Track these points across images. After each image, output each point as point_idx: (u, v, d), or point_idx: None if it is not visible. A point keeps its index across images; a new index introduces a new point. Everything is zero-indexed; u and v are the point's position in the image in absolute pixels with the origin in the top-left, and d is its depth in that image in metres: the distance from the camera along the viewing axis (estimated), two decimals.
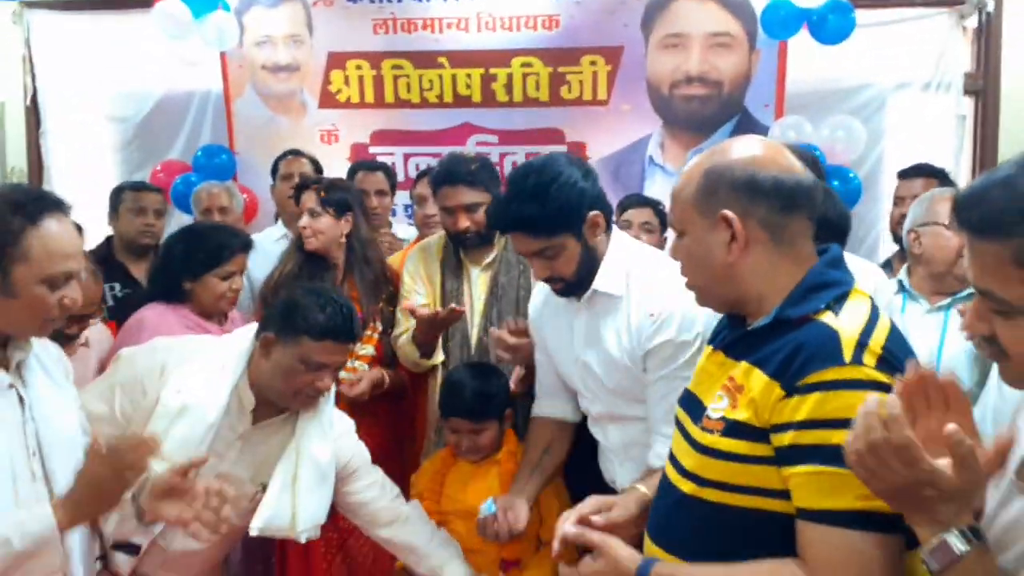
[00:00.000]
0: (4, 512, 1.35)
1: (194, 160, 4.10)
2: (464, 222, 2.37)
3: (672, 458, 1.35)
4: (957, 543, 0.95)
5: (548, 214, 1.72)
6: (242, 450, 1.83)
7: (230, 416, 1.79)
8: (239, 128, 4.16)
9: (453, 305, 2.29)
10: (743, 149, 1.26)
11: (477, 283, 2.44)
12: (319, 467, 1.84)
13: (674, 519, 1.30)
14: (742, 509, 1.19)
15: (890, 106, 3.97)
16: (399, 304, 2.54)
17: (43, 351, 1.54)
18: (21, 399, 1.43)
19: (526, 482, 1.97)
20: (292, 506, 1.79)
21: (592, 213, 1.78)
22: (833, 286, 1.23)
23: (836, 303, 1.21)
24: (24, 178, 4.43)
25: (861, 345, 1.13)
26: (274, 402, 1.83)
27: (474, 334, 2.43)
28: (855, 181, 3.70)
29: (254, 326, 1.89)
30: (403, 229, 3.60)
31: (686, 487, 1.26)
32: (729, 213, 1.23)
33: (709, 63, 3.88)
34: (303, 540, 1.82)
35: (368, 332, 2.55)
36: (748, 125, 3.86)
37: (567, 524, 1.41)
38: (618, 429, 1.87)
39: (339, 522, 2.25)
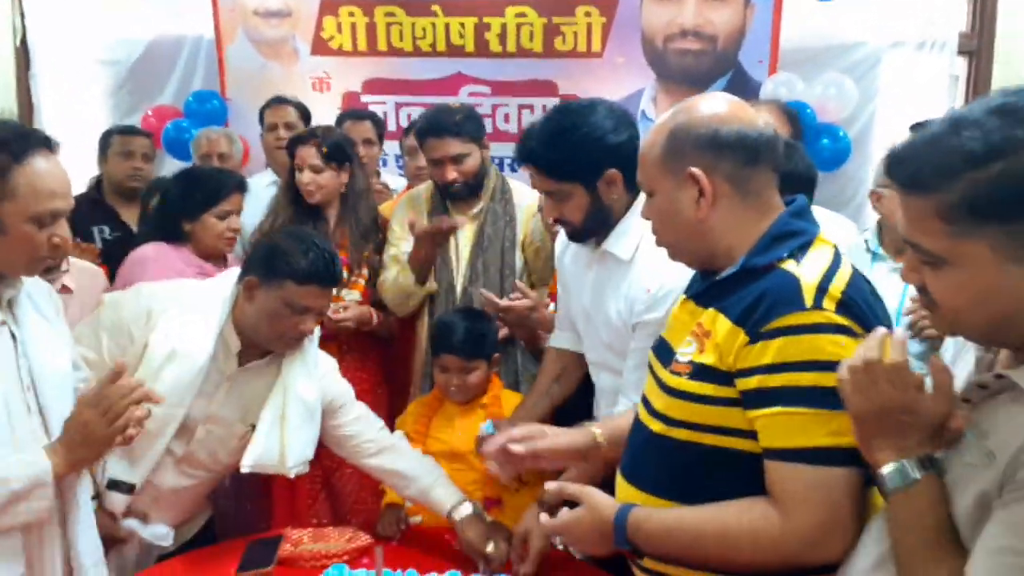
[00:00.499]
0: (2, 449, 1.37)
1: (185, 105, 4.09)
2: (451, 173, 2.39)
3: (644, 399, 1.40)
4: (913, 469, 1.00)
5: (556, 159, 1.73)
6: (230, 391, 1.88)
7: (217, 359, 1.84)
8: (231, 74, 4.12)
9: (450, 218, 2.32)
10: (705, 107, 1.30)
11: (464, 233, 2.47)
12: (306, 405, 1.89)
13: (644, 457, 1.36)
14: (708, 447, 1.24)
15: (884, 65, 3.96)
16: (385, 252, 2.57)
17: (34, 288, 1.55)
18: (13, 336, 1.45)
19: (532, 407, 2.02)
20: (281, 443, 1.84)
21: (611, 170, 1.74)
22: (797, 235, 1.27)
23: (799, 251, 1.24)
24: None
25: (821, 290, 1.17)
26: (259, 344, 1.88)
27: (459, 283, 2.47)
28: (844, 140, 3.71)
29: (236, 270, 1.93)
30: (393, 179, 3.62)
31: (655, 426, 1.31)
32: (695, 170, 1.26)
33: (704, 17, 3.86)
34: (292, 475, 1.87)
35: (355, 278, 2.59)
36: (741, 81, 3.86)
37: (550, 486, 1.42)
38: (609, 377, 1.91)
39: (323, 460, 2.32)
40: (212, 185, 2.40)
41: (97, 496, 1.74)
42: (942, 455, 1.02)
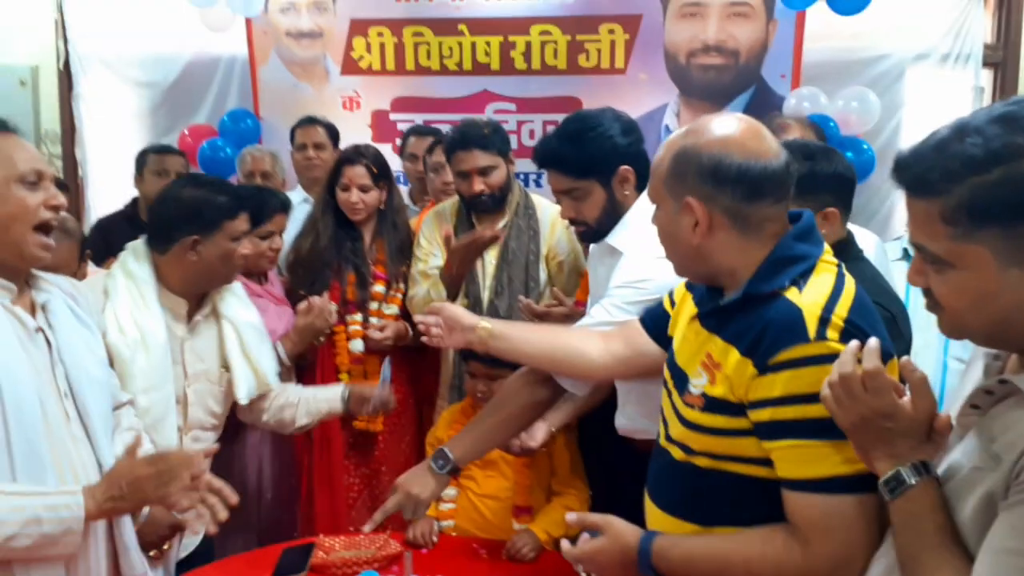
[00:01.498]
0: (35, 460, 1.37)
1: (220, 125, 4.20)
2: (478, 185, 2.45)
3: (664, 421, 1.43)
4: (908, 475, 1.04)
5: (577, 156, 1.87)
6: (192, 349, 2.01)
7: (170, 327, 1.96)
8: (264, 94, 4.24)
9: (490, 230, 2.39)
10: (716, 131, 1.27)
11: (489, 248, 2.53)
12: (255, 327, 2.12)
13: (667, 480, 1.39)
14: (729, 474, 1.27)
15: (908, 77, 3.96)
16: (413, 266, 2.63)
17: (69, 289, 1.59)
18: (48, 341, 1.46)
19: (556, 408, 2.01)
20: (254, 369, 2.07)
21: (623, 167, 1.89)
22: (799, 260, 1.26)
23: (801, 278, 1.24)
24: (57, 141, 4.57)
25: (824, 321, 1.18)
26: (201, 294, 2.03)
27: (485, 297, 2.52)
28: (868, 152, 3.72)
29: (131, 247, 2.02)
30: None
31: (676, 453, 1.35)
32: (692, 200, 1.26)
33: (727, 32, 3.89)
34: (275, 388, 2.13)
35: (393, 292, 2.66)
36: (764, 95, 3.89)
37: (571, 517, 1.44)
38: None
39: (362, 466, 2.49)
40: (255, 205, 2.40)
41: None
42: (950, 462, 1.05)
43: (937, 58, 3.93)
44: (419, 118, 4.11)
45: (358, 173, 2.62)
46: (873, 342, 1.08)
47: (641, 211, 1.90)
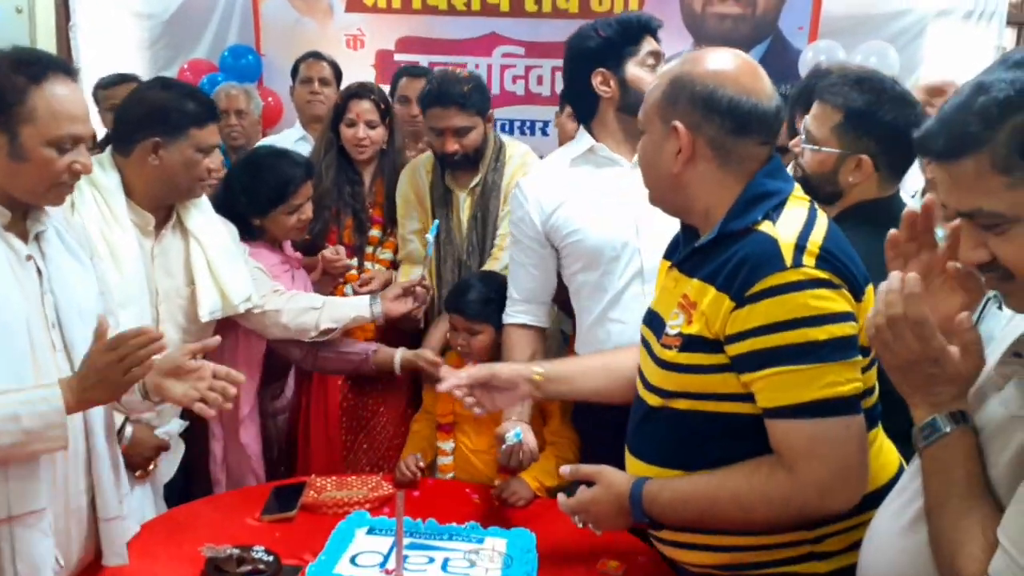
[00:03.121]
0: (19, 383, 1.36)
1: (220, 60, 4.11)
2: (452, 146, 2.34)
3: (640, 374, 1.42)
4: (943, 423, 1.01)
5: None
6: (161, 265, 1.94)
7: (139, 243, 1.89)
8: (266, 29, 4.15)
9: (423, 286, 2.26)
10: (712, 63, 1.28)
11: (463, 207, 2.45)
12: (223, 247, 2.02)
13: (646, 430, 1.38)
14: (707, 414, 1.27)
15: (929, 34, 3.87)
16: (399, 228, 2.55)
17: (64, 224, 1.56)
18: (39, 271, 1.44)
19: (522, 404, 1.89)
20: (219, 288, 1.97)
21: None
22: (771, 196, 1.27)
23: (774, 211, 1.25)
24: None
25: (799, 248, 1.19)
26: (164, 205, 1.95)
27: (462, 252, 2.45)
28: None
29: (97, 159, 1.87)
30: None
31: (653, 400, 1.34)
32: (679, 125, 1.26)
33: None
34: (243, 311, 2.02)
35: (388, 236, 2.60)
36: (780, 47, 3.79)
37: (564, 470, 1.45)
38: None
39: (359, 410, 2.43)
40: (279, 180, 2.24)
41: (120, 431, 1.76)
42: (987, 410, 1.02)
43: (960, 15, 3.83)
44: (424, 59, 4.02)
45: (365, 108, 2.55)
46: (913, 277, 1.02)
47: None
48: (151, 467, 1.81)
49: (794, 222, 1.23)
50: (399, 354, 2.23)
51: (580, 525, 1.42)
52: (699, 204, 1.31)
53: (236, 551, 1.51)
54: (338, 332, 2.19)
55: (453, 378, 1.61)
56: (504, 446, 1.79)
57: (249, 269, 2.10)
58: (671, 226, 1.89)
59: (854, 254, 1.24)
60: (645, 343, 1.43)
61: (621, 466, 1.43)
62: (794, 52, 3.73)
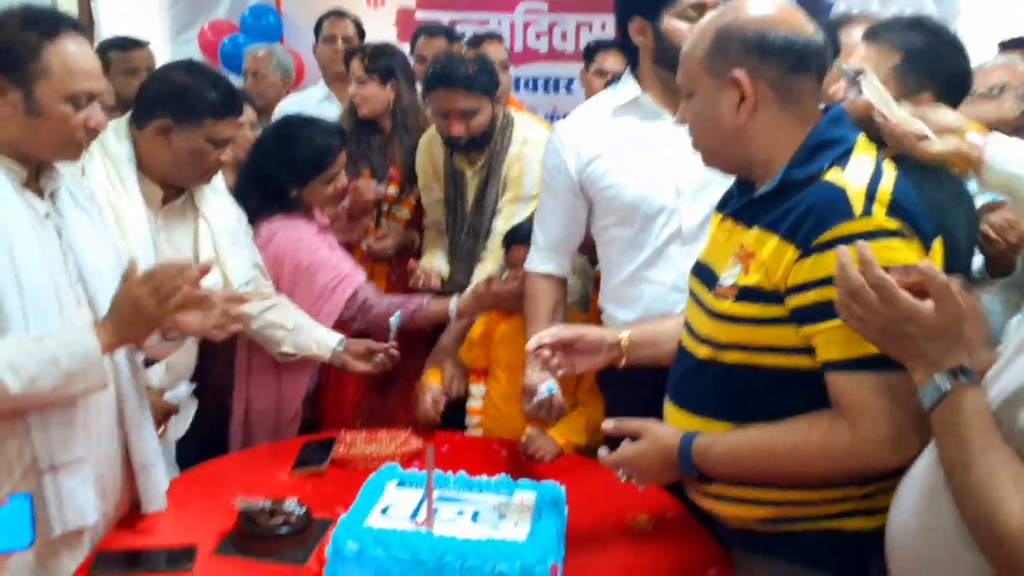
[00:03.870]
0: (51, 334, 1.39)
1: (241, 20, 4.08)
2: (457, 128, 2.29)
3: (687, 326, 1.39)
4: (942, 381, 0.99)
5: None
6: (167, 239, 1.93)
7: (146, 212, 1.88)
8: None
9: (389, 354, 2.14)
10: (754, 8, 1.27)
11: (469, 188, 2.42)
12: (230, 230, 2.01)
13: (692, 382, 1.36)
14: (760, 367, 1.24)
15: None
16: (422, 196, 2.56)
17: (74, 184, 1.57)
18: (58, 230, 1.46)
19: None
20: (222, 269, 1.96)
21: None
22: (836, 143, 1.24)
23: (840, 160, 1.22)
24: None
25: (869, 197, 1.16)
26: (174, 186, 1.92)
27: (464, 235, 2.42)
28: None
29: (114, 124, 1.87)
30: None
31: (703, 352, 1.31)
32: (739, 73, 1.24)
33: None
34: (242, 292, 1.96)
35: (406, 195, 2.59)
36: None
37: (607, 424, 1.42)
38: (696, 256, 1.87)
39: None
40: (315, 150, 2.22)
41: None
42: (1016, 371, 0.98)
43: None
44: (446, 17, 3.97)
45: (356, 66, 2.59)
46: (864, 250, 1.03)
47: None
48: (161, 431, 1.83)
49: (862, 171, 1.21)
50: (455, 301, 2.20)
51: (623, 479, 1.40)
52: (760, 155, 1.28)
53: (268, 504, 1.53)
54: (296, 359, 2.13)
55: (537, 338, 1.56)
56: (535, 399, 1.77)
57: (253, 258, 2.09)
58: (712, 188, 1.86)
59: (920, 208, 1.21)
60: (693, 295, 1.40)
61: (650, 416, 1.40)
62: (825, 4, 3.62)
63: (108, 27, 4.35)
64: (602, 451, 1.40)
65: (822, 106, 1.31)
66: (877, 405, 1.14)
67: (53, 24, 1.39)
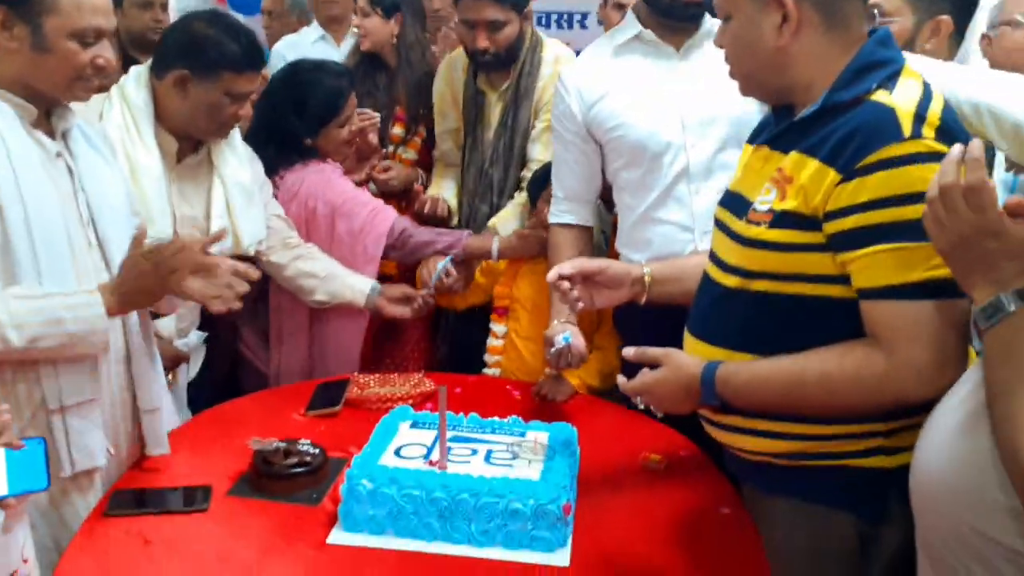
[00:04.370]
0: (61, 280, 1.39)
1: None
2: (483, 41, 2.21)
3: (713, 256, 1.35)
4: (1008, 301, 0.95)
5: None
6: (179, 192, 1.91)
7: (162, 163, 1.86)
8: None
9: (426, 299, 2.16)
10: None
11: (492, 111, 2.35)
12: (244, 189, 1.98)
13: (718, 313, 1.32)
14: (791, 296, 1.20)
15: None
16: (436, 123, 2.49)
17: (87, 125, 1.55)
18: (69, 169, 1.45)
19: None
20: (233, 228, 1.94)
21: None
22: (885, 65, 1.19)
23: (888, 81, 1.17)
24: None
25: (919, 118, 1.11)
26: (190, 138, 1.90)
27: (486, 160, 2.36)
28: None
29: (135, 71, 1.87)
30: None
31: (731, 281, 1.27)
32: None
33: None
34: (252, 253, 1.99)
35: (411, 136, 2.54)
36: None
37: (628, 351, 1.39)
38: (706, 194, 1.83)
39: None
40: (325, 94, 2.18)
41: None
42: None
43: None
44: None
45: None
46: (976, 144, 0.97)
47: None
48: (171, 377, 1.85)
49: (911, 92, 1.15)
50: (496, 241, 2.19)
51: (641, 406, 1.39)
52: (803, 79, 1.22)
53: (283, 444, 1.53)
54: (331, 306, 2.13)
55: (558, 268, 1.54)
56: (553, 349, 1.77)
57: (266, 214, 2.06)
58: (719, 123, 1.82)
59: (967, 132, 1.16)
60: (721, 224, 1.35)
61: None
62: None
63: None
64: (621, 378, 1.37)
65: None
66: (919, 334, 1.11)
67: None
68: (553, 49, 2.37)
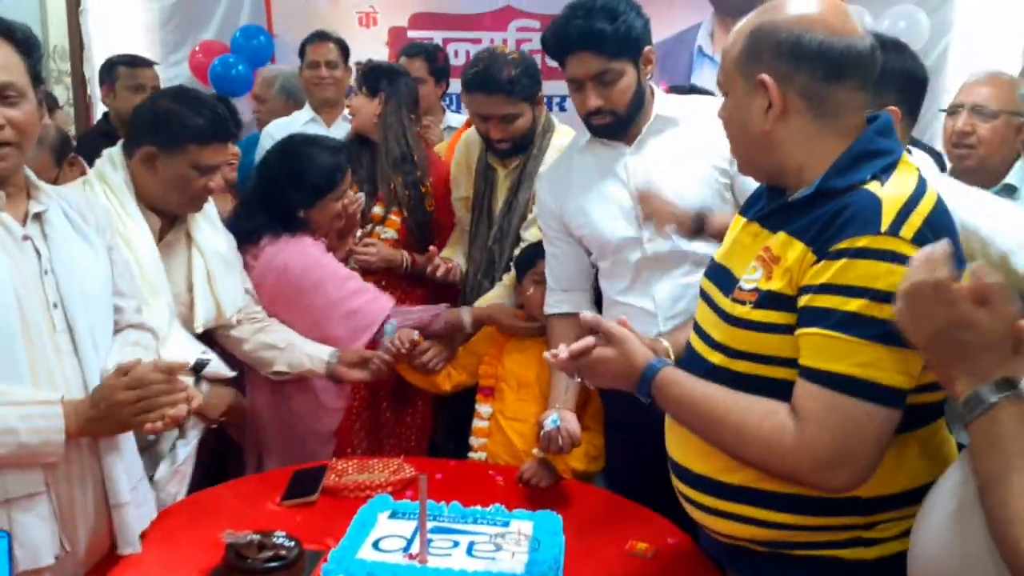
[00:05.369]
0: (11, 359, 1.33)
1: (232, 41, 4.06)
2: (497, 133, 2.23)
3: (698, 329, 1.34)
4: (988, 394, 0.94)
5: (617, 33, 1.76)
6: (165, 271, 1.88)
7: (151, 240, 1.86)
8: (277, 8, 4.10)
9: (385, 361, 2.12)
10: (795, 8, 1.19)
11: (501, 188, 2.38)
12: (223, 257, 1.99)
13: None
14: (772, 380, 1.18)
15: None
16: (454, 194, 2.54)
17: (83, 205, 1.53)
18: (38, 252, 1.41)
19: (566, 391, 1.92)
20: (215, 299, 1.95)
21: (647, 48, 1.83)
22: (881, 155, 1.17)
23: (883, 172, 1.16)
24: (66, 57, 4.44)
25: (902, 215, 1.10)
26: (167, 213, 1.91)
27: (490, 237, 2.38)
28: None
29: (107, 154, 1.88)
30: (454, 118, 3.51)
31: (715, 358, 1.26)
32: (766, 78, 1.17)
33: None
34: (234, 321, 2.01)
35: (391, 215, 2.54)
36: None
37: (586, 315, 1.36)
38: (668, 282, 1.87)
39: (362, 391, 2.35)
40: (325, 169, 2.18)
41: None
42: None
43: None
44: (438, 36, 3.95)
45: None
46: (942, 246, 0.99)
47: (662, 94, 1.93)
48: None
49: (904, 187, 1.14)
50: (467, 312, 2.21)
51: (576, 379, 1.36)
52: (791, 162, 1.21)
53: (257, 537, 1.47)
54: (291, 377, 2.11)
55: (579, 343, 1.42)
56: (542, 432, 1.75)
57: (244, 284, 2.08)
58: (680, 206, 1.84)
59: (957, 236, 1.15)
60: (706, 297, 1.34)
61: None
62: None
63: (99, 48, 4.35)
64: (559, 349, 1.33)
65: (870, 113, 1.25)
66: (826, 422, 1.10)
67: None
68: (563, 137, 2.36)
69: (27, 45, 1.40)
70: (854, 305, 1.08)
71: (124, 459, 1.51)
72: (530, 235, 2.28)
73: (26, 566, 1.35)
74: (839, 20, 1.17)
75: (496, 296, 2.28)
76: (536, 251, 2.13)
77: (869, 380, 1.08)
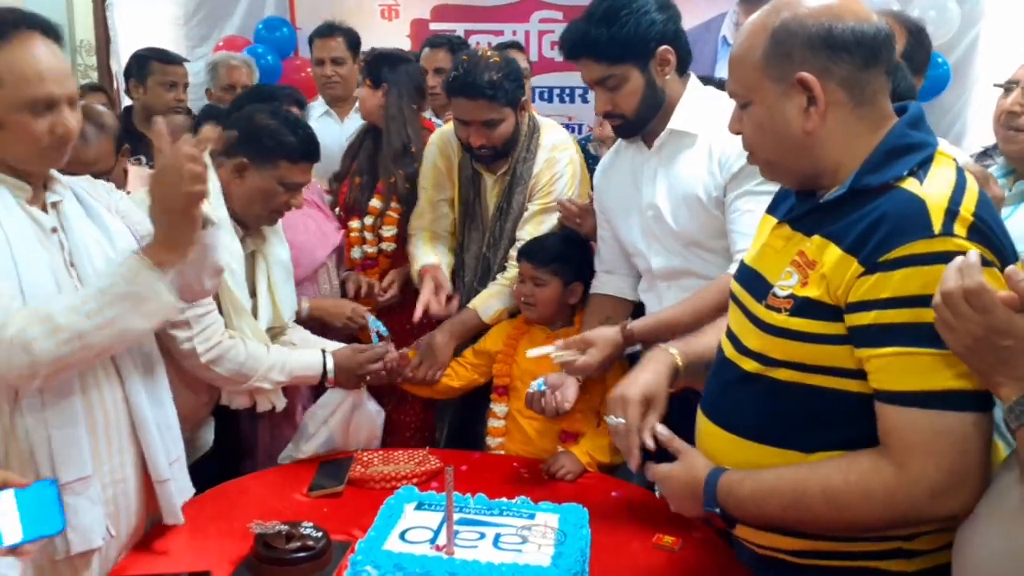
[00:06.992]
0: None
1: (255, 34, 4.08)
2: (478, 139, 2.16)
3: (731, 335, 1.30)
4: None
5: (611, 38, 1.72)
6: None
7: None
8: (300, 1, 4.09)
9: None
10: (813, 1, 1.14)
11: (490, 194, 2.32)
12: (284, 266, 2.08)
13: (734, 397, 1.26)
14: (813, 388, 1.14)
15: None
16: (420, 193, 2.44)
17: (88, 187, 1.53)
18: (61, 244, 1.42)
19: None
20: (274, 305, 2.03)
21: (662, 48, 1.77)
22: (916, 149, 1.13)
23: (920, 168, 1.11)
24: (92, 51, 4.49)
25: (951, 213, 1.05)
26: (248, 223, 1.98)
27: (483, 243, 2.34)
28: (943, 67, 3.47)
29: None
30: None
31: (749, 366, 1.22)
32: (807, 75, 1.12)
33: None
34: (289, 325, 2.09)
35: (391, 212, 2.53)
36: None
37: (663, 430, 1.35)
38: (677, 291, 1.87)
39: (383, 397, 2.31)
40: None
41: None
42: None
43: None
44: (461, 28, 3.94)
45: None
46: (972, 255, 0.96)
47: (694, 93, 1.86)
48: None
49: (943, 182, 1.09)
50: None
51: (659, 495, 1.35)
52: (830, 161, 1.16)
53: (285, 527, 1.49)
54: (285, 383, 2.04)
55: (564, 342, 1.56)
56: (528, 391, 1.83)
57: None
58: (678, 236, 1.85)
59: (1004, 226, 1.10)
60: (738, 301, 1.29)
61: (677, 433, 1.34)
62: None
63: (124, 43, 4.39)
64: (650, 464, 1.32)
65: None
66: (936, 447, 1.03)
67: (8, 27, 1.32)
68: (551, 136, 2.31)
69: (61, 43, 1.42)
70: (929, 316, 1.01)
71: (163, 436, 1.53)
72: (524, 234, 2.25)
73: (79, 548, 1.38)
74: (858, 7, 1.15)
75: (493, 294, 2.26)
76: (531, 247, 2.14)
77: (965, 390, 1.02)
